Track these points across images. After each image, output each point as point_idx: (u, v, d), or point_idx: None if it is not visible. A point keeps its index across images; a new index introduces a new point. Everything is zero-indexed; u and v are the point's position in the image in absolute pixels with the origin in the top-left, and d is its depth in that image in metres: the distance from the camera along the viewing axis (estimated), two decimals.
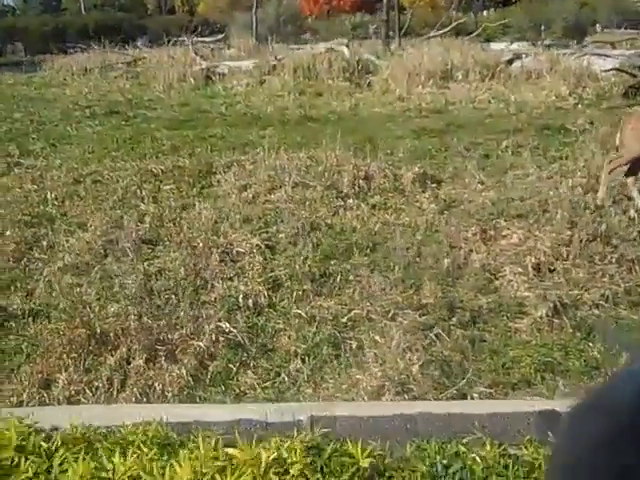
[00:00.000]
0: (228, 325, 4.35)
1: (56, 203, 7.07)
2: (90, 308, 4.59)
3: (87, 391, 4.06)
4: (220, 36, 25.27)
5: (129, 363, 4.25)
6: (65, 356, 4.29)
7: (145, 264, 5.37)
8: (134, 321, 4.42)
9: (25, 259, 5.72)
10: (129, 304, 4.60)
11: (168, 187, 7.08)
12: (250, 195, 6.61)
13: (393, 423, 3.19)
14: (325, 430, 3.09)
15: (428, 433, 3.08)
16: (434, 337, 4.22)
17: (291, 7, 35.93)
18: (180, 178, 7.29)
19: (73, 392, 4.06)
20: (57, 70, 20.66)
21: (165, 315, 4.60)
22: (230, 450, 2.74)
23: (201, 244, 5.43)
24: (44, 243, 5.99)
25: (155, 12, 47.23)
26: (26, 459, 2.80)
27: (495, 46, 17.34)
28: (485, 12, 33.90)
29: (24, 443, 2.90)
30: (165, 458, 2.82)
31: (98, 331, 4.32)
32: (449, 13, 27.31)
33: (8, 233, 6.08)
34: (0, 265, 5.63)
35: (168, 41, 23.10)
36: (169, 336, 4.39)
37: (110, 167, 8.10)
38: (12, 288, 5.27)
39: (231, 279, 5.12)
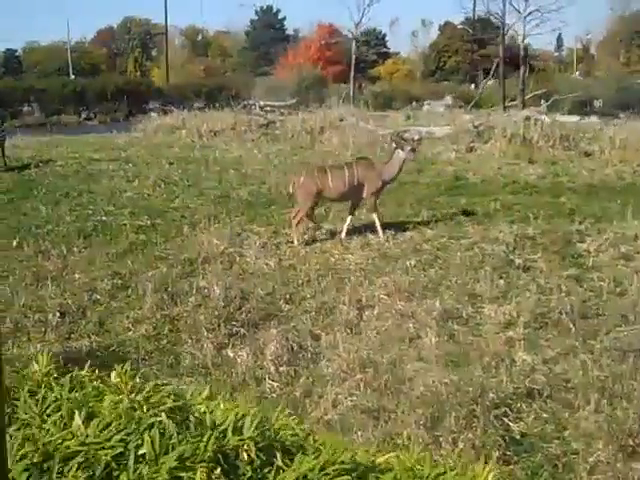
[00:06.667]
0: None
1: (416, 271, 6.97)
2: None
3: None
4: (292, 101, 25.44)
5: None
6: None
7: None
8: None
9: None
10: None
11: (536, 256, 7.09)
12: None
13: None
14: None
15: None
16: None
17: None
18: (539, 247, 7.34)
19: None
20: (154, 131, 20.52)
21: None
22: None
23: None
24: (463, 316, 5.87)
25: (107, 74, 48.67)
26: None
27: (566, 119, 17.39)
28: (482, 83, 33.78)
29: None
30: None
31: None
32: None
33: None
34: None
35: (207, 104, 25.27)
36: None
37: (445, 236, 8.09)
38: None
39: None
